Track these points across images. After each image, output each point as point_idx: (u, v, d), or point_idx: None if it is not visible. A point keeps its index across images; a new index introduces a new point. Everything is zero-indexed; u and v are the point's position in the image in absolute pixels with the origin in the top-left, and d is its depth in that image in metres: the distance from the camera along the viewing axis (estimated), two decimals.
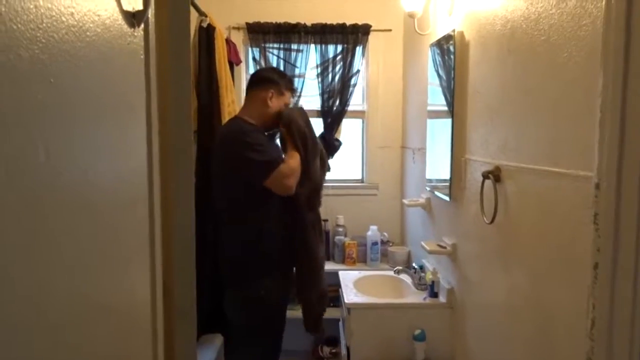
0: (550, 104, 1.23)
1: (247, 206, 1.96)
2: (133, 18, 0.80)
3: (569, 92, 1.15)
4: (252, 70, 3.24)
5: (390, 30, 3.22)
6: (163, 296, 0.93)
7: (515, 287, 1.44)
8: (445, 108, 2.10)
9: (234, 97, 2.80)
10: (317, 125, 3.14)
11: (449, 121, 2.04)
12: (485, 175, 1.55)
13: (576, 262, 1.10)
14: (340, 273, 2.63)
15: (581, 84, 1.10)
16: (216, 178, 2.05)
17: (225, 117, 2.59)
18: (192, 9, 2.20)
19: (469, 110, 1.87)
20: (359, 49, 3.16)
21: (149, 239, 0.88)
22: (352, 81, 3.17)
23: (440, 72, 2.22)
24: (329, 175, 3.21)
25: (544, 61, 1.27)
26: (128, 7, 0.78)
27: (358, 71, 3.18)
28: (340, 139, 3.26)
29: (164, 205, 0.94)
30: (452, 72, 1.98)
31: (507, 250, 1.50)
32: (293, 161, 1.98)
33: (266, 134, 2.09)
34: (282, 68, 3.11)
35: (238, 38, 3.14)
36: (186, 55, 0.99)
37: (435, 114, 2.34)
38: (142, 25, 0.84)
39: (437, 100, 2.29)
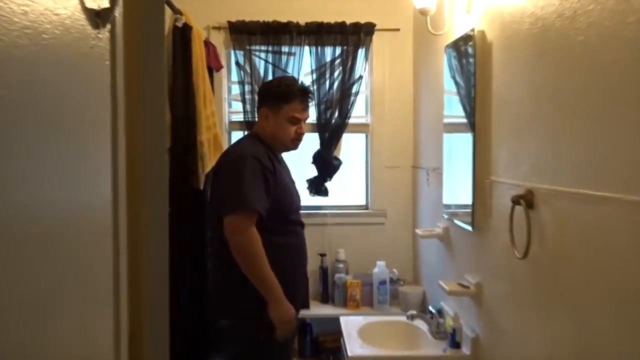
0: (592, 115, 1.24)
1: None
2: (97, 17, 0.80)
3: (614, 101, 1.16)
4: (234, 77, 3.27)
5: (398, 29, 3.26)
6: (129, 345, 0.91)
7: (557, 336, 1.42)
8: (465, 120, 2.11)
9: (213, 109, 2.81)
10: (313, 141, 3.16)
11: (469, 136, 2.04)
12: (515, 201, 1.55)
13: (634, 305, 1.09)
14: (342, 319, 2.60)
15: (628, 93, 1.10)
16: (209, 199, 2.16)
17: (204, 132, 2.60)
18: (165, 7, 2.22)
19: (493, 123, 1.88)
20: (361, 52, 3.20)
21: (112, 277, 0.86)
22: (354, 89, 3.20)
23: (458, 79, 2.24)
24: (326, 201, 3.25)
25: (582, 66, 1.28)
26: (92, 4, 0.78)
27: (361, 77, 3.21)
28: (340, 157, 3.27)
29: (132, 238, 0.93)
30: (472, 78, 2.00)
31: (545, 290, 1.48)
32: (259, 262, 1.89)
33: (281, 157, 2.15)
34: (270, 75, 3.13)
35: (219, 39, 3.18)
36: (160, 60, 0.99)
37: (453, 128, 2.35)
38: (108, 26, 0.84)
39: (455, 111, 2.31)
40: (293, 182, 2.19)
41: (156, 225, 0.99)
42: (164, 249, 0.99)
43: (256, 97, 3.13)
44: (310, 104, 2.14)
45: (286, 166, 2.19)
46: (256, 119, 3.12)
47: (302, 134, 2.13)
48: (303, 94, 2.10)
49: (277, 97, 2.07)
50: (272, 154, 2.06)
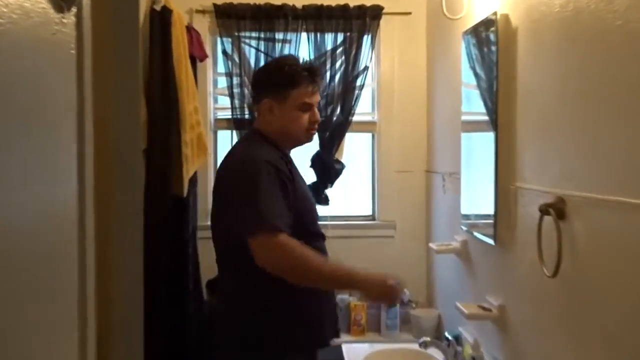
0: (633, 111, 1.24)
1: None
2: (61, 0, 0.80)
3: None
4: (221, 69, 3.28)
5: (409, 13, 3.27)
6: (97, 351, 0.91)
7: None
8: (486, 117, 2.11)
9: (197, 105, 2.82)
10: (311, 142, 3.15)
11: (491, 135, 2.05)
12: (544, 210, 1.55)
13: None
14: (344, 347, 2.61)
15: None
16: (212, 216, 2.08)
17: (187, 130, 2.60)
18: None
19: (518, 120, 1.88)
20: (366, 39, 3.20)
21: (77, 298, 0.86)
22: (358, 82, 3.20)
23: (478, 70, 2.24)
24: (326, 211, 3.24)
25: (620, 54, 1.28)
26: None
27: (366, 68, 3.21)
28: (343, 160, 3.27)
29: (100, 252, 0.92)
30: (495, 68, 2.00)
31: (578, 314, 1.48)
32: (313, 259, 1.83)
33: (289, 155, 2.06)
34: (261, 65, 3.14)
35: (203, 25, 3.19)
36: (134, 48, 1.00)
37: (473, 126, 2.36)
38: (74, 10, 0.84)
39: (474, 107, 2.31)
40: (308, 187, 2.14)
41: (130, 236, 0.99)
42: (138, 268, 0.99)
43: (245, 91, 3.18)
44: (320, 84, 2.05)
45: (296, 167, 2.09)
46: (246, 115, 3.20)
47: (317, 121, 2.04)
48: (311, 73, 2.00)
49: (281, 82, 1.97)
50: (284, 155, 1.99)
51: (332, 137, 3.20)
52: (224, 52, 3.21)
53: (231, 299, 2.00)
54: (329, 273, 1.87)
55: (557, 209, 1.52)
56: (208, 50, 3.18)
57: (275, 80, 1.99)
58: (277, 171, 1.87)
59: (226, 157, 2.07)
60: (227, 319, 2.01)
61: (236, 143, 2.24)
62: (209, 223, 3.21)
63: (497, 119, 1.99)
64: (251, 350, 1.93)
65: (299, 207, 1.92)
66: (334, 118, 3.20)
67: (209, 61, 3.22)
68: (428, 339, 2.41)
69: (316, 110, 2.04)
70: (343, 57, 3.20)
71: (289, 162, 2.02)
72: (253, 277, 1.87)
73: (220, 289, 2.09)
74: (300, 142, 2.09)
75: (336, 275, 1.88)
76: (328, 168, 3.20)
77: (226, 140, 3.33)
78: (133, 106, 0.98)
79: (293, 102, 1.97)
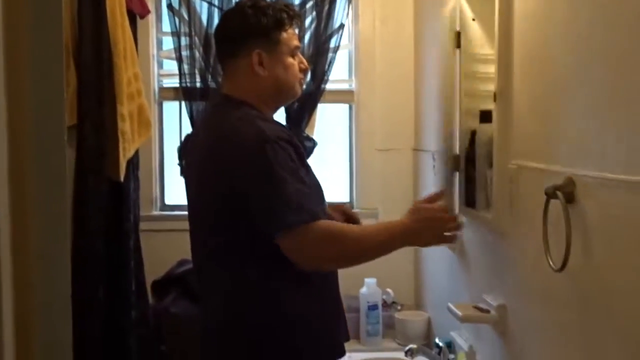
0: None
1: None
2: None
3: None
4: (166, 27, 3.24)
5: None
6: None
7: None
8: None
9: (137, 71, 2.80)
10: (279, 116, 3.14)
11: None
12: (551, 193, 1.55)
13: None
14: None
15: None
16: (194, 204, 2.01)
17: (125, 102, 2.57)
18: None
19: (518, 87, 1.88)
20: None
21: None
22: (332, 43, 3.19)
23: None
24: None
25: None
26: None
27: (342, 26, 3.20)
28: (314, 136, 3.26)
29: (16, 253, 0.91)
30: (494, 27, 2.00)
31: (591, 314, 1.49)
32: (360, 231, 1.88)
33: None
34: (216, 22, 3.10)
35: None
36: (55, 1, 0.97)
37: None
38: None
39: None
40: None
41: (52, 234, 0.97)
42: (64, 265, 0.98)
43: (196, 54, 3.15)
44: (300, 24, 2.09)
45: None
46: (197, 83, 3.16)
47: (307, 68, 2.06)
48: (289, 12, 1.99)
49: (269, 27, 1.94)
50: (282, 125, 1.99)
51: (302, 109, 3.18)
52: (170, 7, 3.17)
53: (232, 304, 1.95)
54: (375, 246, 1.90)
55: (565, 192, 1.51)
56: (151, 5, 3.14)
57: (262, 25, 1.94)
58: (292, 147, 1.84)
59: (209, 129, 2.00)
60: (227, 328, 1.97)
61: (212, 113, 2.13)
62: (154, 212, 3.27)
63: (495, 86, 2.00)
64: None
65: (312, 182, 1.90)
66: (304, 86, 3.17)
67: (151, 18, 3.18)
68: (415, 346, 2.42)
69: (300, 55, 2.04)
70: (314, 13, 3.18)
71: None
72: (265, 275, 1.88)
73: (208, 294, 2.03)
74: (294, 97, 2.09)
75: (382, 246, 1.90)
76: None
77: (173, 114, 3.30)
78: (55, 73, 0.95)
79: (284, 48, 1.96)
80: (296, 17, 2.00)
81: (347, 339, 2.11)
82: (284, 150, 1.80)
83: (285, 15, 1.95)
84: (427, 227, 1.91)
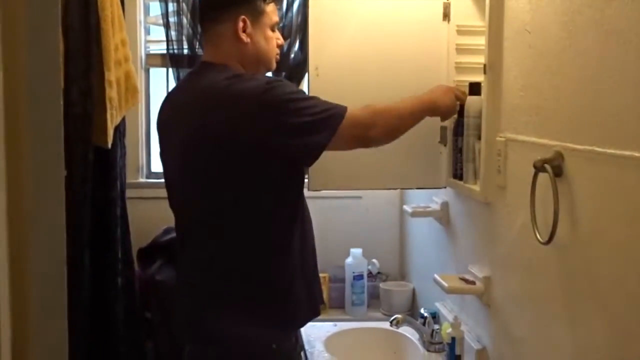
0: None
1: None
2: None
3: None
4: None
5: None
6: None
7: (589, 346, 1.44)
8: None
9: (124, 37, 2.76)
10: None
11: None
12: (539, 166, 1.54)
13: None
14: (303, 327, 2.61)
15: None
16: (184, 174, 1.98)
17: (112, 68, 2.54)
18: None
19: (506, 57, 1.88)
20: None
21: None
22: None
23: None
24: None
25: None
26: None
27: None
28: None
29: (11, 219, 0.91)
30: None
31: (575, 286, 1.50)
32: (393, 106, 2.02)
33: None
34: None
35: None
36: None
37: None
38: None
39: None
40: None
41: (46, 203, 0.97)
42: (61, 244, 0.98)
43: (184, 20, 3.12)
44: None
45: None
46: (184, 50, 3.14)
47: (282, 44, 2.11)
48: None
49: None
50: None
51: (290, 79, 3.16)
52: None
53: (217, 272, 1.97)
54: (408, 112, 2.04)
55: (554, 165, 1.51)
56: None
57: None
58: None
59: (194, 92, 1.95)
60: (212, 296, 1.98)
61: (191, 79, 2.09)
62: (140, 179, 3.26)
63: (485, 56, 1.99)
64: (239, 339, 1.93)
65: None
66: (292, 55, 3.16)
67: None
68: (400, 316, 2.39)
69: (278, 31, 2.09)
70: None
71: None
72: (252, 244, 1.92)
73: (193, 261, 2.03)
74: (269, 69, 2.09)
75: (414, 111, 2.06)
76: None
77: (160, 80, 3.28)
78: (50, 38, 0.94)
79: (266, 20, 1.98)
80: None
81: (322, 302, 2.15)
82: (283, 82, 1.92)
83: None
84: (449, 97, 2.14)
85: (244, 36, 1.93)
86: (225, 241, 1.93)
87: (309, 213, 2.05)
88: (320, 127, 1.84)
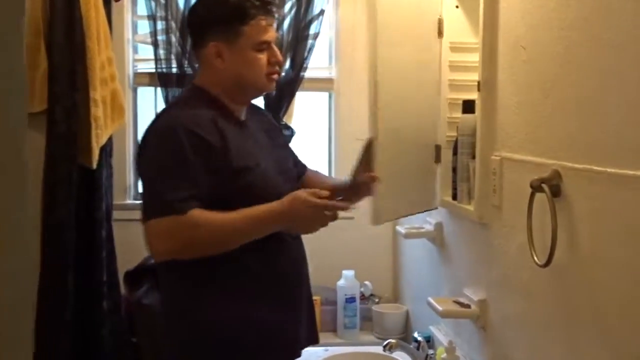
0: None
1: None
2: None
3: None
4: (142, 10, 3.21)
5: None
6: None
7: None
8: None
9: (111, 55, 2.77)
10: (257, 103, 3.12)
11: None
12: (536, 186, 1.54)
13: None
14: None
15: None
16: None
17: (98, 87, 2.55)
18: None
19: (502, 76, 1.88)
20: None
21: None
22: (312, 29, 3.18)
23: None
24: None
25: None
26: None
27: (322, 12, 3.19)
28: (292, 125, 3.25)
29: None
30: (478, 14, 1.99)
31: (575, 311, 1.49)
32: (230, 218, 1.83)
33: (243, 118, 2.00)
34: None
35: None
36: None
37: None
38: None
39: None
40: (274, 151, 2.07)
41: (16, 224, 0.92)
42: (26, 261, 0.93)
43: (173, 38, 3.12)
44: (274, 15, 1.98)
45: (260, 127, 2.07)
46: (173, 69, 3.14)
47: (279, 62, 1.97)
48: (262, 1, 1.92)
49: (229, 18, 1.88)
50: (227, 114, 1.94)
51: (280, 97, 3.17)
52: None
53: (175, 301, 2.00)
54: (236, 232, 1.84)
55: (551, 185, 1.52)
56: None
57: (221, 16, 1.90)
58: (195, 139, 1.82)
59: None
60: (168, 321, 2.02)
61: (173, 100, 2.25)
62: (127, 201, 3.24)
63: (480, 74, 1.99)
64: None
65: (238, 180, 1.86)
66: (282, 73, 3.15)
67: (126, 0, 3.14)
68: (394, 341, 2.41)
69: (275, 48, 1.96)
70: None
71: (235, 122, 1.96)
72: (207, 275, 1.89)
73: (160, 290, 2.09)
74: (260, 91, 2.08)
75: (243, 230, 1.84)
76: None
77: (148, 99, 3.27)
78: (15, 54, 0.90)
79: (246, 42, 1.89)
80: (264, 8, 1.92)
81: (312, 342, 2.15)
82: (177, 140, 1.81)
83: (248, 5, 1.88)
84: (303, 216, 1.90)
85: (218, 62, 1.91)
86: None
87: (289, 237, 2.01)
88: (146, 206, 1.83)
